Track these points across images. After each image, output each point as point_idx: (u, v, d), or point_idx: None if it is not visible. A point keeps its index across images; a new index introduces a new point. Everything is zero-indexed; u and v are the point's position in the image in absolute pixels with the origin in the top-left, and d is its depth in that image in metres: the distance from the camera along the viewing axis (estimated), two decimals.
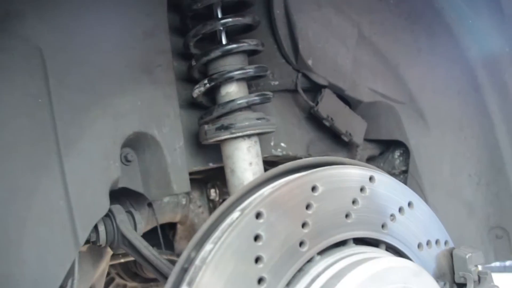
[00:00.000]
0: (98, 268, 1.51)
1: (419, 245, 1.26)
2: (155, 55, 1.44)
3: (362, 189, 1.16)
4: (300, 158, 1.67)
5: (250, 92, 1.50)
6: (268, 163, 1.66)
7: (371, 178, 1.18)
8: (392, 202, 1.21)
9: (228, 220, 1.04)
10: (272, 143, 1.67)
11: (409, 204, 1.24)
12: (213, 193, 1.75)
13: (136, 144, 1.42)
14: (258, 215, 1.01)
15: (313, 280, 1.05)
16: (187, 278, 0.98)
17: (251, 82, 1.60)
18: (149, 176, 1.44)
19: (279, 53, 1.66)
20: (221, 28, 1.47)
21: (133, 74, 1.39)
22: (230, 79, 1.45)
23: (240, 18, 1.47)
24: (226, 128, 1.42)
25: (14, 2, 1.21)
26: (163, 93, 1.44)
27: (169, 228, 1.89)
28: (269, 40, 1.65)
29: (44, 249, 1.19)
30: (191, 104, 1.57)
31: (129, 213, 1.44)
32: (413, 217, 1.25)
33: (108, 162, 1.32)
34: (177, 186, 1.43)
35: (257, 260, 1.00)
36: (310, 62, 1.63)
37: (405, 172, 1.80)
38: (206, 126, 1.46)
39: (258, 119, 1.44)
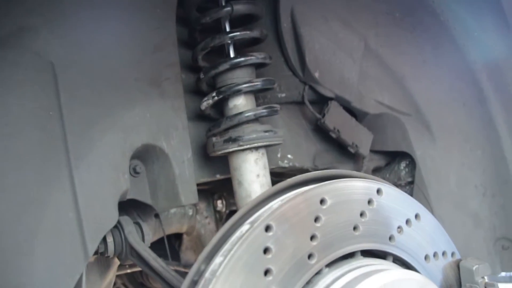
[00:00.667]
0: (105, 279, 1.52)
1: (426, 257, 1.26)
2: (163, 68, 1.46)
3: (369, 202, 1.17)
4: (307, 169, 1.70)
5: (257, 105, 1.52)
6: (275, 175, 1.67)
7: (378, 191, 1.19)
8: (399, 214, 1.22)
9: (238, 233, 1.05)
10: (279, 155, 1.68)
11: (416, 216, 1.25)
12: (219, 204, 1.76)
13: (145, 156, 1.43)
14: (267, 228, 1.02)
15: None
16: None
17: (258, 94, 1.61)
18: (157, 188, 1.45)
19: (286, 66, 1.68)
20: (229, 41, 1.49)
21: (142, 87, 1.41)
22: (238, 92, 1.47)
23: (248, 32, 1.49)
24: (234, 140, 1.44)
25: (27, 17, 1.23)
26: (171, 106, 1.46)
27: (175, 238, 1.90)
28: (276, 53, 1.67)
29: (53, 261, 1.20)
30: (199, 117, 1.59)
31: (137, 224, 1.45)
32: (420, 229, 1.25)
33: (118, 174, 1.33)
34: (185, 197, 1.44)
35: (266, 272, 1.01)
36: (317, 75, 1.64)
37: (411, 183, 1.81)
38: (214, 139, 1.48)
39: (265, 131, 1.45)
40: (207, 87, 1.55)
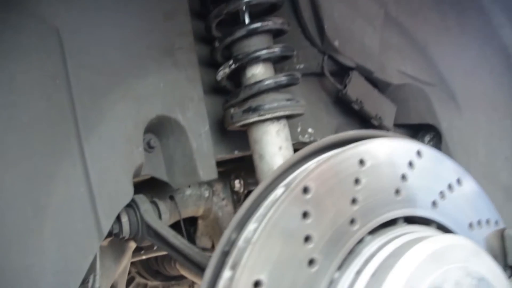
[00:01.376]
0: (120, 264, 1.41)
1: (470, 225, 1.17)
2: (176, 37, 1.37)
3: (410, 164, 1.07)
4: None
5: None
6: (295, 151, 1.57)
7: (418, 152, 1.10)
8: (440, 178, 1.13)
9: (272, 197, 0.95)
10: (299, 129, 1.59)
11: (458, 180, 1.16)
12: (237, 184, 1.66)
13: (159, 129, 1.33)
14: (305, 190, 0.92)
15: (366, 262, 0.95)
16: (230, 261, 0.89)
17: (276, 66, 1.52)
18: (174, 163, 1.35)
19: (304, 36, 1.59)
20: (244, 7, 1.39)
21: (155, 56, 1.32)
22: (256, 59, 1.37)
23: None
24: (254, 110, 1.34)
25: None
26: (186, 76, 1.36)
27: (190, 224, 1.79)
28: (293, 23, 1.58)
29: (65, 239, 1.10)
30: (214, 90, 1.49)
31: (153, 203, 1.35)
32: (462, 194, 1.16)
33: (131, 147, 1.23)
34: (203, 173, 1.35)
35: (307, 239, 0.91)
36: (336, 43, 1.55)
37: None
38: (232, 110, 1.38)
39: (287, 100, 1.36)
40: (222, 58, 1.45)
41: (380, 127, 1.65)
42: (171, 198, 1.52)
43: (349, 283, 0.94)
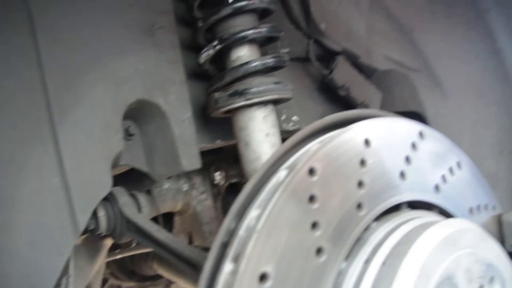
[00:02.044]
0: (94, 264, 1.29)
1: (471, 210, 1.12)
2: (156, 16, 1.26)
3: (413, 145, 1.02)
4: None
5: None
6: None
7: (420, 133, 1.04)
8: (442, 160, 1.08)
9: (274, 181, 0.86)
10: (283, 117, 1.51)
11: (458, 164, 1.11)
12: (217, 177, 1.56)
13: (139, 115, 1.22)
14: (311, 171, 0.84)
15: (375, 250, 0.89)
16: (231, 253, 0.80)
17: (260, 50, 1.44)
18: (154, 152, 1.25)
19: (288, 18, 1.51)
20: None
21: (134, 35, 1.21)
22: (242, 40, 1.28)
23: None
24: (240, 93, 1.25)
25: None
26: (167, 58, 1.26)
27: (165, 221, 1.68)
28: (277, 5, 1.50)
29: (37, 235, 0.98)
30: (196, 75, 1.39)
31: (132, 196, 1.24)
32: (462, 178, 1.12)
33: (109, 133, 1.12)
34: (186, 161, 1.25)
35: (314, 225, 0.83)
36: (323, 26, 1.48)
37: None
38: (216, 94, 1.29)
39: (275, 83, 1.28)
40: (204, 40, 1.36)
41: None
42: (148, 192, 1.41)
43: (358, 274, 0.87)
